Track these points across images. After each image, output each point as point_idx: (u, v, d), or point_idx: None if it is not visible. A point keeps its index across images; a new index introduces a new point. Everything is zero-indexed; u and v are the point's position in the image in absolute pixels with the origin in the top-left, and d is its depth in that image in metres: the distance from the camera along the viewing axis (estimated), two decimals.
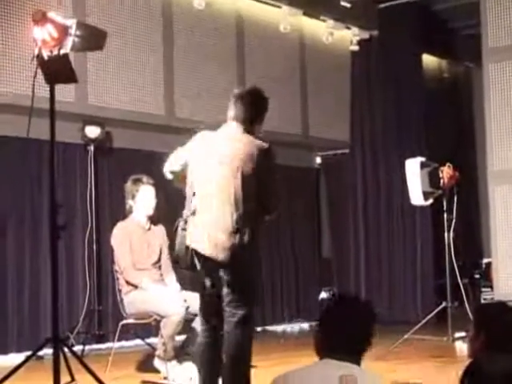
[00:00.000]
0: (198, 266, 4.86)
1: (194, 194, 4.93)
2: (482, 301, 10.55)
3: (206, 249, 4.78)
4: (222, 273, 4.81)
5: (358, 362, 2.83)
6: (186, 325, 6.51)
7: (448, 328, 7.88)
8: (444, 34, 12.20)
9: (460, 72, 13.44)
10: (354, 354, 2.83)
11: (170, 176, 5.19)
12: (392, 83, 11.31)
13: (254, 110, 5.32)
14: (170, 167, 5.18)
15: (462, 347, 7.68)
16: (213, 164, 4.89)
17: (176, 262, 5.21)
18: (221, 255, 4.75)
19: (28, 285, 8.35)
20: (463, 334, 7.50)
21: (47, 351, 6.59)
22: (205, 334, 5.04)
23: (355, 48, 11.38)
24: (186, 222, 4.91)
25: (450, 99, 12.96)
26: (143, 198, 6.82)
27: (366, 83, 11.55)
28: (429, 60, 12.56)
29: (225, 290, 4.83)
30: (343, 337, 2.82)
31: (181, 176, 5.11)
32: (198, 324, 6.55)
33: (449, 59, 13.12)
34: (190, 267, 4.90)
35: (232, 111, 5.20)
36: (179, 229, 4.95)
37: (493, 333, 3.16)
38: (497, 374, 2.91)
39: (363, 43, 11.40)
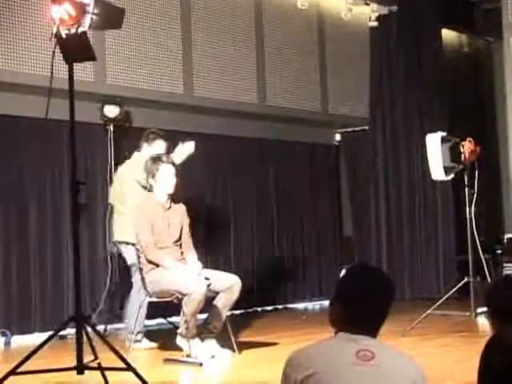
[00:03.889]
0: None
1: None
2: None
3: None
4: None
5: (374, 336, 2.78)
6: (208, 302, 6.54)
7: (470, 303, 7.85)
8: (464, 8, 12.09)
9: (480, 46, 13.33)
10: (371, 327, 2.78)
11: None
12: (412, 59, 11.25)
13: None
14: None
15: (484, 322, 7.66)
16: None
17: None
18: None
19: (50, 264, 8.39)
20: (485, 309, 7.47)
21: (70, 331, 6.68)
22: None
23: (374, 24, 11.28)
24: None
25: (471, 74, 12.87)
26: (163, 177, 6.81)
27: (386, 59, 11.47)
28: (448, 35, 12.46)
29: None
30: (360, 308, 2.75)
31: None
32: (219, 301, 6.63)
33: (469, 34, 13.01)
34: None
35: None
36: None
37: (502, 308, 3.14)
38: None
39: (382, 19, 11.30)
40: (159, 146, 7.48)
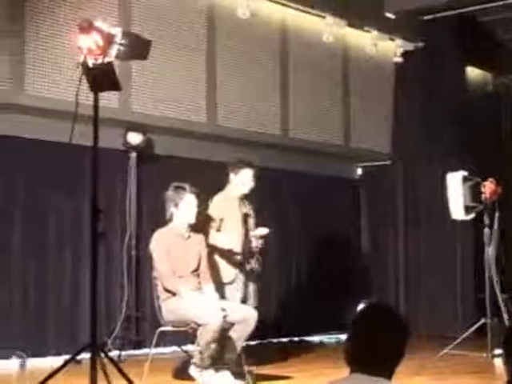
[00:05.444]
0: None
1: None
2: None
3: None
4: None
5: (389, 377, 2.75)
6: (223, 333, 6.52)
7: (487, 344, 7.78)
8: (489, 47, 12.08)
9: (505, 85, 13.30)
10: (386, 368, 2.75)
11: None
12: (435, 95, 11.25)
13: None
14: None
15: (500, 364, 7.57)
16: None
17: None
18: None
19: (68, 289, 8.42)
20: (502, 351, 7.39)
21: (85, 355, 6.68)
22: None
23: (399, 59, 11.33)
24: None
25: (494, 112, 12.83)
26: (187, 207, 6.82)
27: (410, 95, 11.48)
28: (473, 73, 12.45)
29: None
30: (374, 348, 2.74)
31: None
32: (234, 333, 6.61)
33: (494, 72, 13.00)
34: None
35: None
36: None
37: None
38: None
39: (407, 55, 11.35)
40: (246, 174, 7.47)
